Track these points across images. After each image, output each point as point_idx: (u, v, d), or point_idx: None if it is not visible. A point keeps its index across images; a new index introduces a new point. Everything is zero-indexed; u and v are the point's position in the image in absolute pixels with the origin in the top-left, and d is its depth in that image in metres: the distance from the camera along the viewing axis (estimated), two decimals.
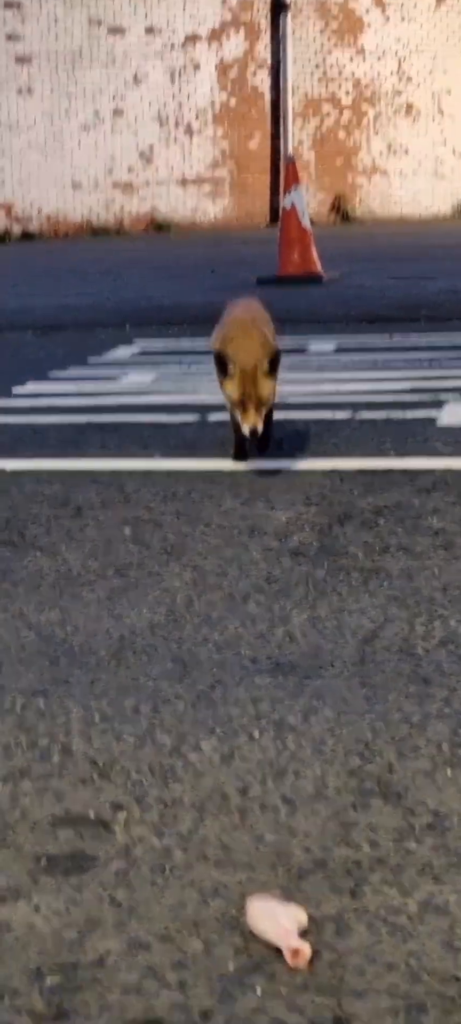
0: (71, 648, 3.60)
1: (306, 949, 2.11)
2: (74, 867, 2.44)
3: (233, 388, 5.26)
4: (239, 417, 5.29)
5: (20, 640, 3.67)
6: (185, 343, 9.87)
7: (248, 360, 5.26)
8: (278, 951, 2.12)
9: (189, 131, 26.32)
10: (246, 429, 5.27)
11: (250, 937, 2.18)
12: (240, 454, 5.61)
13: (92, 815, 2.64)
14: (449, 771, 2.77)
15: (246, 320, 5.53)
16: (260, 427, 5.30)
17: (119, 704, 3.19)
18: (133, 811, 2.65)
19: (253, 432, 5.28)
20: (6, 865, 2.46)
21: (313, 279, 14.17)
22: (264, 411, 5.31)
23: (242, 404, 5.25)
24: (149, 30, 25.51)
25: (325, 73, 27.41)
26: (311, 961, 2.10)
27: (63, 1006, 2.01)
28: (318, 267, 14.42)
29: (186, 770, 2.83)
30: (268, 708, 3.14)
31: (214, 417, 6.79)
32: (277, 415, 6.44)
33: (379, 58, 27.69)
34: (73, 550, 4.54)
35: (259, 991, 2.03)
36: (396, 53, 27.77)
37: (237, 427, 5.45)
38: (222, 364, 5.29)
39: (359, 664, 3.39)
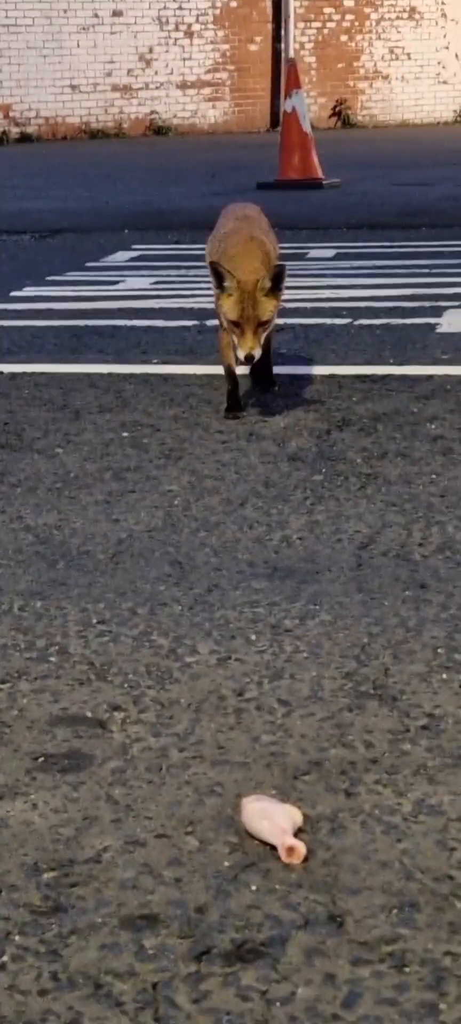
0: (69, 551, 3.60)
1: (301, 847, 2.13)
2: (71, 766, 2.45)
3: (230, 306, 4.63)
4: (236, 340, 4.66)
5: (18, 542, 3.67)
6: (184, 248, 9.81)
7: (248, 275, 4.64)
8: (273, 849, 2.14)
9: (189, 33, 26.03)
10: (241, 354, 4.61)
11: (245, 835, 2.19)
12: (233, 405, 4.97)
13: (89, 715, 2.65)
14: (444, 674, 2.78)
15: (245, 229, 4.92)
16: (258, 353, 4.63)
17: (116, 606, 3.20)
18: (130, 711, 2.66)
19: (249, 358, 4.63)
20: (4, 764, 2.47)
21: (313, 184, 14.07)
22: (263, 335, 4.68)
23: (239, 326, 4.62)
24: None
25: None
26: (306, 859, 2.12)
27: (60, 901, 2.03)
28: (318, 172, 14.32)
29: (183, 672, 2.84)
30: (265, 612, 3.15)
31: (213, 322, 6.76)
32: (276, 321, 6.42)
33: None
34: (71, 453, 4.53)
35: (254, 888, 2.05)
36: None
37: (230, 373, 4.95)
38: (219, 277, 4.68)
39: (356, 569, 3.39)
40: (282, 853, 2.12)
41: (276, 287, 4.64)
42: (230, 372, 4.94)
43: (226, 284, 4.65)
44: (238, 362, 4.79)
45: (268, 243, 4.91)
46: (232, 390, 4.96)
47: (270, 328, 4.73)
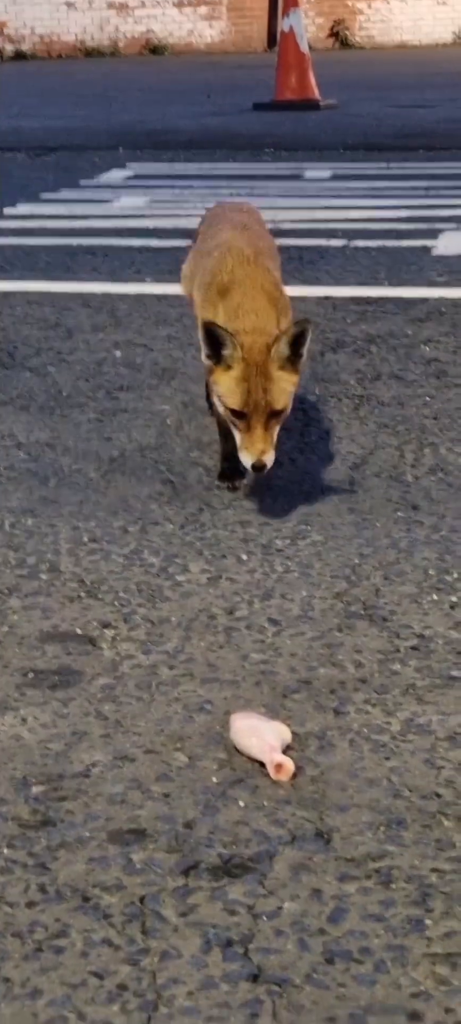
0: (61, 468, 3.59)
1: (289, 764, 2.13)
2: (61, 682, 2.46)
3: (230, 387, 3.12)
4: (238, 437, 3.15)
5: (10, 459, 3.66)
6: (179, 167, 9.73)
7: (256, 337, 3.14)
8: (261, 766, 2.15)
9: None
10: (248, 460, 3.10)
11: (234, 752, 2.20)
12: (230, 472, 3.44)
13: (79, 632, 2.65)
14: (435, 595, 2.78)
15: (246, 249, 3.38)
16: (271, 458, 3.11)
17: (108, 524, 3.19)
18: (120, 629, 2.66)
19: (259, 467, 3.09)
20: None
21: (310, 105, 13.94)
22: (278, 428, 3.17)
23: (243, 417, 3.11)
24: None
25: None
26: (294, 776, 2.12)
27: (48, 815, 2.04)
28: (315, 93, 14.19)
29: (174, 590, 2.84)
30: (256, 531, 3.14)
31: None
32: None
33: None
34: (64, 372, 4.51)
35: (242, 804, 2.06)
36: None
37: (224, 430, 3.37)
38: (214, 342, 3.14)
39: (348, 490, 3.39)
40: (271, 770, 2.13)
41: (296, 353, 3.14)
42: (224, 427, 3.35)
43: (225, 352, 3.13)
44: (240, 469, 3.29)
45: (277, 274, 3.45)
46: (228, 452, 3.39)
47: (287, 416, 3.24)
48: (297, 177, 9.11)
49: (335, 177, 9.11)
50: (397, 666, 2.50)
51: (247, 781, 2.12)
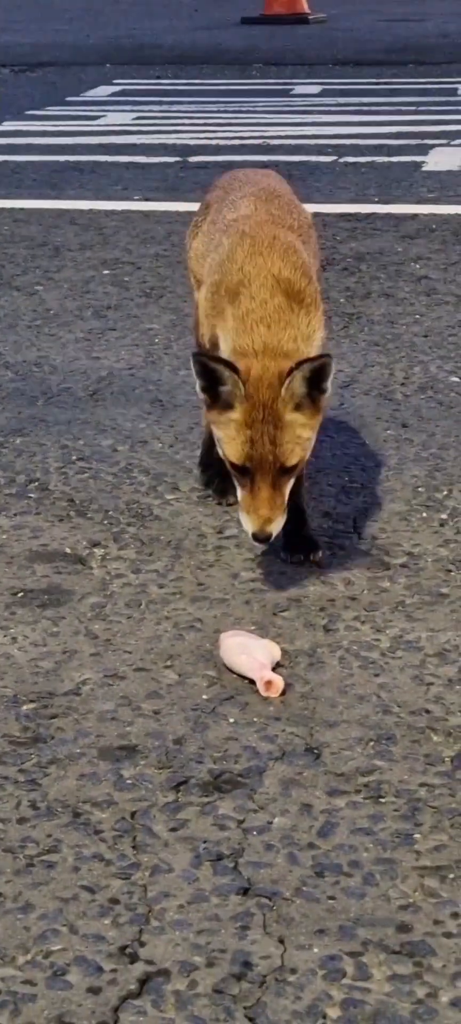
0: (49, 388, 3.58)
1: (278, 681, 2.14)
2: (51, 601, 2.46)
3: (230, 435, 2.46)
4: (239, 495, 2.48)
5: None
6: (166, 83, 9.64)
7: (267, 365, 2.46)
8: (251, 683, 2.16)
9: None
10: (249, 527, 2.43)
11: (223, 670, 2.20)
12: (215, 484, 2.88)
13: (69, 551, 2.65)
14: (424, 513, 2.78)
15: (270, 233, 2.63)
16: (278, 526, 2.44)
17: (97, 444, 3.18)
18: (110, 548, 2.66)
19: (263, 538, 2.42)
20: None
21: (299, 19, 13.81)
22: (289, 487, 2.48)
23: (246, 473, 2.45)
24: None
25: None
26: (283, 693, 2.13)
27: (39, 732, 2.05)
28: (305, 6, 14.05)
29: (163, 509, 2.84)
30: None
31: (195, 159, 6.67)
32: (255, 157, 6.33)
33: None
34: (51, 290, 4.48)
35: (231, 720, 2.07)
36: None
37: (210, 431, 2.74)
38: (209, 375, 2.47)
39: (338, 408, 3.38)
40: (260, 687, 2.14)
41: (317, 388, 2.45)
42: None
43: (224, 389, 2.46)
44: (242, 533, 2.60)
45: (306, 257, 2.66)
46: (206, 450, 2.92)
47: (303, 467, 2.57)
48: (286, 93, 9.03)
49: (325, 92, 9.03)
50: (386, 583, 2.50)
51: (237, 698, 2.13)
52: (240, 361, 2.45)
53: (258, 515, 2.41)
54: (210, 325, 2.65)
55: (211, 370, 2.45)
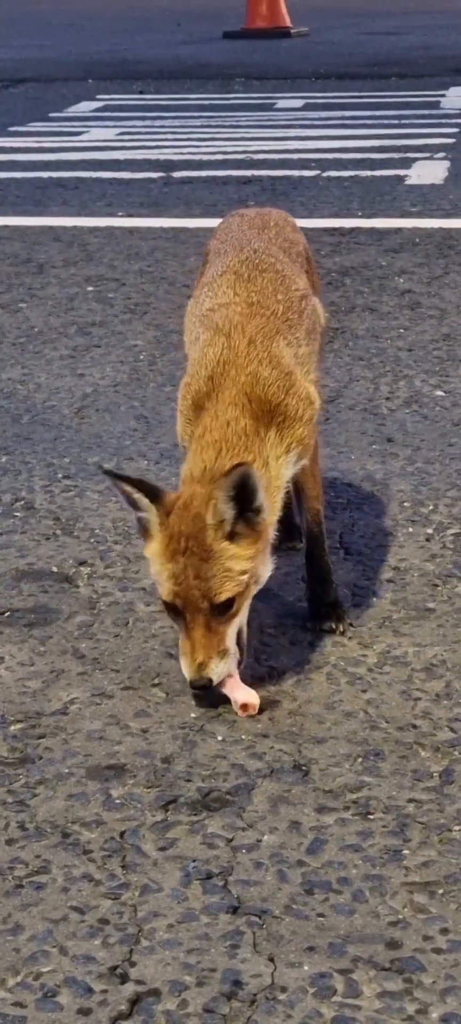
0: (34, 405, 3.58)
1: (254, 701, 2.13)
2: (38, 620, 2.46)
3: (156, 569, 2.17)
4: (179, 641, 2.18)
5: None
6: (149, 99, 9.66)
7: (194, 498, 2.16)
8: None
9: None
10: (186, 674, 2.13)
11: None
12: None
13: (55, 570, 2.65)
14: (410, 528, 2.79)
15: (240, 334, 2.30)
16: (217, 672, 2.12)
17: (82, 461, 3.19)
18: (97, 566, 2.66)
19: (199, 686, 2.12)
20: None
21: (281, 33, 13.85)
22: (232, 626, 2.15)
23: (178, 614, 2.15)
24: None
25: None
26: (262, 710, 2.13)
27: (27, 752, 2.04)
28: (286, 20, 14.08)
29: None
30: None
31: (179, 174, 6.68)
32: (239, 172, 6.36)
33: None
34: (35, 308, 4.49)
35: (220, 738, 2.07)
36: None
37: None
38: (128, 500, 2.20)
39: (323, 423, 3.38)
40: (236, 708, 2.13)
41: (248, 508, 2.15)
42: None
43: (142, 516, 2.19)
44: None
45: (295, 369, 2.34)
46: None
47: (245, 614, 2.19)
48: (269, 108, 9.05)
49: (307, 106, 9.06)
50: (373, 599, 2.51)
51: (225, 715, 2.13)
52: (180, 487, 2.18)
53: (192, 660, 2.11)
54: (184, 424, 2.31)
55: (125, 493, 2.17)
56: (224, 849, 1.82)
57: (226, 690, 2.15)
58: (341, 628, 2.39)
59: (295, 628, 2.40)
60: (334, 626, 2.40)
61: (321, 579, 2.44)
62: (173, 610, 2.14)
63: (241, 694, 2.13)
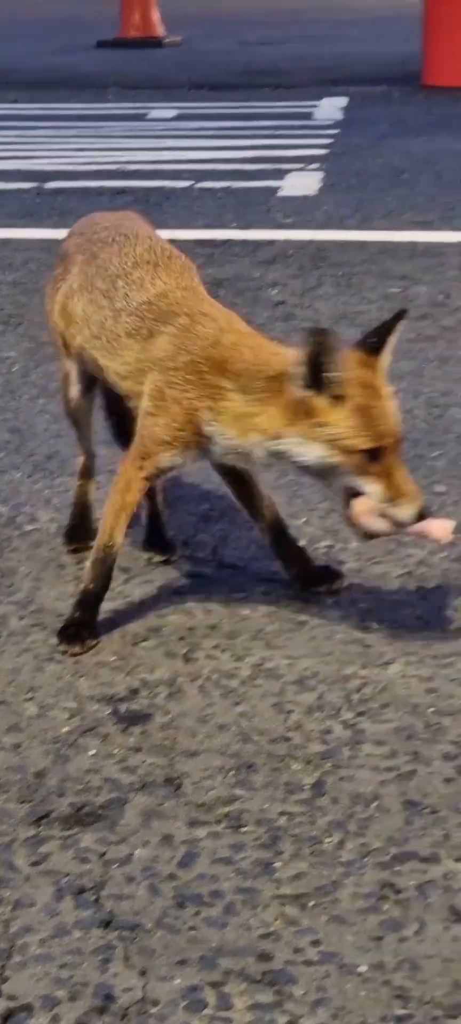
0: None
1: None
2: None
3: (355, 423, 2.27)
4: (375, 490, 2.29)
5: None
6: (22, 108, 9.60)
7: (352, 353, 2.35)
8: (113, 714, 2.16)
9: None
10: (410, 512, 2.28)
11: (84, 700, 2.21)
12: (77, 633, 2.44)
13: None
14: None
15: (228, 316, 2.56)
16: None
17: None
18: None
19: (424, 515, 2.31)
20: None
21: (154, 42, 13.87)
22: None
23: (373, 464, 2.30)
24: None
25: None
26: (144, 723, 2.14)
27: None
28: (160, 30, 14.10)
29: (23, 539, 2.83)
30: (105, 479, 3.13)
31: (52, 184, 6.66)
32: (112, 183, 6.36)
33: None
34: None
35: (92, 752, 2.07)
36: None
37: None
38: (318, 367, 2.28)
39: None
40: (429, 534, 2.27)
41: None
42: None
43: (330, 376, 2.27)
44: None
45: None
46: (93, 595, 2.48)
47: None
48: (141, 117, 9.05)
49: (180, 116, 9.08)
50: (246, 611, 2.53)
51: (98, 730, 2.13)
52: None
53: (413, 491, 2.27)
54: (187, 411, 2.36)
55: (321, 363, 2.24)
56: (96, 864, 1.82)
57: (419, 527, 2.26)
58: (339, 583, 2.58)
59: (168, 640, 2.41)
60: (327, 588, 2.57)
61: (299, 550, 2.60)
62: (372, 455, 2.24)
63: (436, 523, 2.28)
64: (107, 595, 2.56)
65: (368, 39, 14.82)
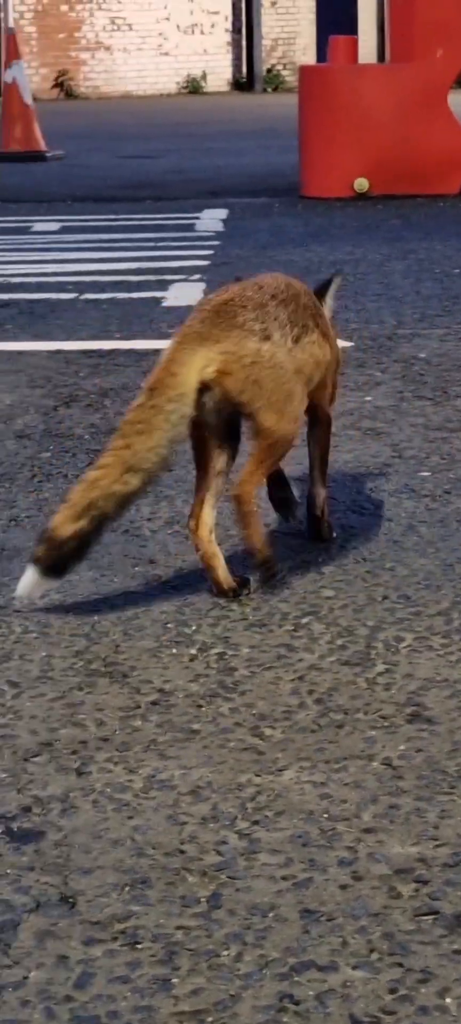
0: None
1: None
2: None
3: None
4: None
5: None
6: None
7: None
8: (5, 832, 2.12)
9: None
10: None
11: None
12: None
13: None
14: (174, 649, 2.81)
15: None
16: None
17: None
18: None
19: None
20: None
21: (36, 156, 13.95)
22: None
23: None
24: None
25: None
26: (37, 841, 2.11)
27: None
28: (41, 144, 14.21)
29: None
30: None
31: None
32: None
33: None
34: None
35: None
36: None
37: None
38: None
39: None
40: None
41: None
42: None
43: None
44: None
45: None
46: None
47: None
48: (25, 231, 9.08)
49: (64, 229, 9.12)
50: (138, 722, 2.51)
51: None
52: None
53: None
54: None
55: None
56: None
57: None
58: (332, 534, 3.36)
59: (60, 755, 2.38)
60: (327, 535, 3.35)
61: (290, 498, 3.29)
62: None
63: None
64: None
65: (247, 151, 15.08)
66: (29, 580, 2.84)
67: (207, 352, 2.93)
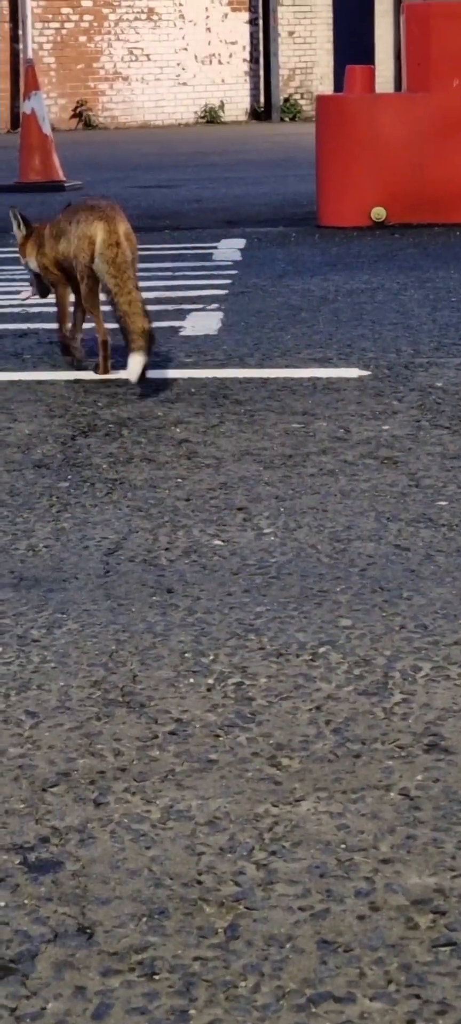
0: None
1: None
2: None
3: None
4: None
5: None
6: None
7: None
8: (22, 863, 2.13)
9: None
10: None
11: None
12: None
13: None
14: (191, 679, 2.81)
15: None
16: None
17: None
18: None
19: None
20: None
21: (55, 186, 14.01)
22: None
23: None
24: None
25: None
26: (55, 871, 2.11)
27: None
28: (60, 174, 14.27)
29: None
30: (11, 622, 3.12)
31: None
32: (15, 326, 6.39)
33: None
34: None
35: (2, 904, 2.04)
36: None
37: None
38: None
39: (103, 576, 3.40)
40: None
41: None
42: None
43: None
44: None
45: None
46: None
47: None
48: None
49: None
50: (156, 752, 2.51)
51: (7, 880, 2.10)
52: None
53: None
54: None
55: None
56: (8, 1020, 1.78)
57: None
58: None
59: (78, 785, 2.39)
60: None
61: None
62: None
63: None
64: (15, 739, 2.54)
65: (265, 181, 15.12)
66: (138, 364, 4.96)
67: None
